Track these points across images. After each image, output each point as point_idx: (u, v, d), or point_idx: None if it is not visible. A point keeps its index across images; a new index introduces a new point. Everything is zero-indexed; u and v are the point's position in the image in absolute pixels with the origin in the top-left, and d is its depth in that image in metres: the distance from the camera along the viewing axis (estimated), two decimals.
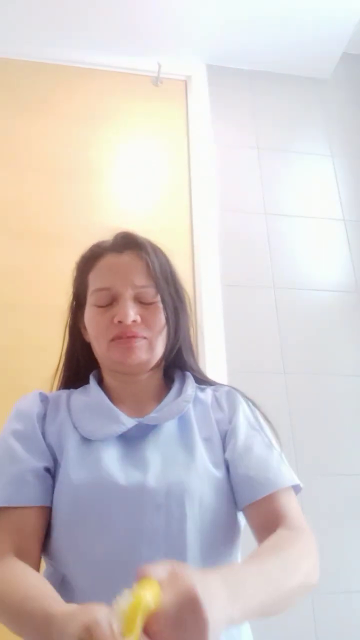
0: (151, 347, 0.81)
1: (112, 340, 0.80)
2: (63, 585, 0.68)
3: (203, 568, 0.67)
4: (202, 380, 0.91)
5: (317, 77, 2.13)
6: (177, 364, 0.91)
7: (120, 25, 1.87)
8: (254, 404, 0.87)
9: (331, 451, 1.52)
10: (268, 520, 0.71)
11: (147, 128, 1.91)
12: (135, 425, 0.78)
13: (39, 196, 1.71)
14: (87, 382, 0.89)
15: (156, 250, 0.87)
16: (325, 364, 1.64)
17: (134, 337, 0.79)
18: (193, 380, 0.88)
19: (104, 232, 0.90)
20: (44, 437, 0.78)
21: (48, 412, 0.82)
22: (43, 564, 0.77)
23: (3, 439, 0.78)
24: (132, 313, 0.79)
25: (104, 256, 0.86)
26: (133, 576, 0.68)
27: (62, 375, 0.93)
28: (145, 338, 0.81)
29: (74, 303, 0.91)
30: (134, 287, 0.81)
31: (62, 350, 0.93)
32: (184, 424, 0.81)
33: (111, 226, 0.91)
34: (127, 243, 0.86)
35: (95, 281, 0.85)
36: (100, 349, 0.83)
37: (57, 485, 0.73)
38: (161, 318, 0.82)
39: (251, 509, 0.73)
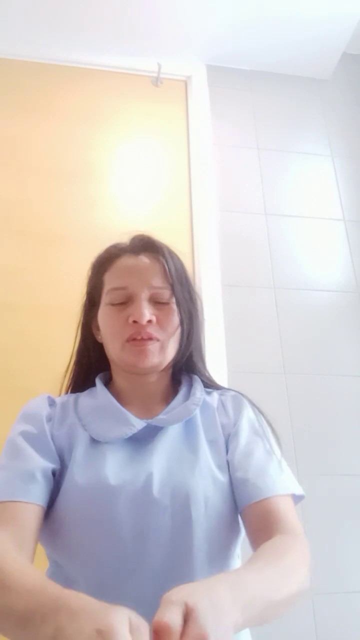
0: (163, 349, 0.82)
1: (127, 341, 0.81)
2: (66, 586, 0.68)
3: (209, 572, 0.68)
4: (209, 384, 0.91)
5: (317, 77, 2.13)
6: (185, 367, 0.91)
7: (120, 25, 1.87)
8: (259, 410, 0.87)
9: (331, 451, 1.52)
10: (262, 524, 0.71)
11: (147, 128, 1.91)
12: (144, 427, 0.78)
13: (39, 196, 1.71)
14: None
15: (172, 254, 0.88)
16: (325, 364, 1.64)
17: (148, 339, 0.80)
18: (201, 384, 0.88)
19: (118, 234, 0.91)
20: (52, 439, 0.78)
21: (56, 415, 0.82)
22: (45, 564, 0.78)
23: (12, 439, 0.78)
24: (147, 313, 0.79)
25: (121, 257, 0.86)
26: (138, 578, 0.68)
27: (72, 375, 0.93)
28: (158, 340, 0.81)
29: (88, 302, 0.91)
30: (150, 288, 0.82)
31: (73, 349, 0.93)
32: (190, 426, 0.81)
33: (123, 225, 0.91)
34: (145, 245, 0.87)
35: (111, 281, 0.85)
36: (114, 348, 0.83)
37: (64, 486, 0.73)
38: (175, 320, 0.83)
39: (247, 512, 0.73)
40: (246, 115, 2.00)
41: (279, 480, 0.75)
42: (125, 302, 0.82)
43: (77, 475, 0.73)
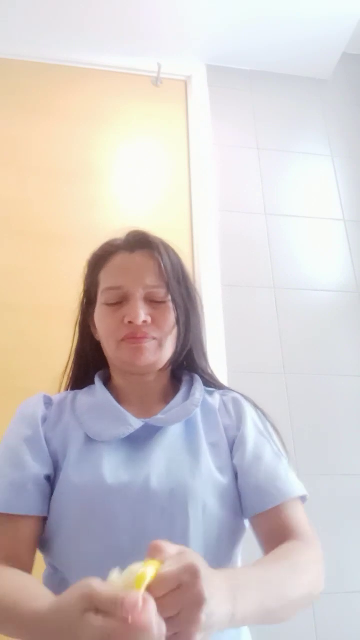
0: (160, 347, 0.81)
1: (122, 340, 0.80)
2: (62, 587, 0.68)
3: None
4: (211, 384, 0.90)
5: (317, 77, 2.13)
6: (186, 366, 0.90)
7: (120, 25, 1.87)
8: (262, 412, 0.86)
9: (331, 451, 1.52)
10: (276, 531, 0.70)
11: (147, 128, 1.91)
12: (142, 426, 0.77)
13: (39, 196, 1.71)
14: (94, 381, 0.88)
15: (168, 250, 0.86)
16: (325, 364, 1.64)
17: (143, 337, 0.79)
18: (202, 384, 0.87)
19: (114, 232, 0.90)
20: (47, 442, 0.77)
21: (52, 415, 0.82)
22: (42, 566, 0.77)
23: (8, 441, 0.78)
24: (142, 313, 0.79)
25: (115, 255, 0.85)
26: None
27: (71, 374, 0.92)
28: (155, 339, 0.80)
29: (85, 301, 0.91)
30: (145, 287, 0.81)
31: (71, 348, 0.93)
32: (190, 427, 0.80)
33: (123, 225, 0.90)
34: (139, 242, 0.85)
35: (106, 280, 0.84)
36: (109, 348, 0.82)
37: (59, 487, 0.73)
38: (171, 318, 0.82)
39: (259, 519, 0.73)
40: (246, 115, 2.00)
41: (289, 483, 0.75)
42: (121, 302, 0.81)
43: (72, 474, 0.72)
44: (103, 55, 1.95)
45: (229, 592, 0.50)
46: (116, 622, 0.42)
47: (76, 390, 0.88)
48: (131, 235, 0.88)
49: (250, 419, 0.82)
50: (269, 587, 0.57)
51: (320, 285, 1.76)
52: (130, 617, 0.42)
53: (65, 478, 0.73)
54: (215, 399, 0.86)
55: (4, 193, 1.70)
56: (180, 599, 0.45)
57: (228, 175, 1.88)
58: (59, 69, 1.93)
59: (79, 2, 1.79)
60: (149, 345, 0.79)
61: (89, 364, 0.91)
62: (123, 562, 0.67)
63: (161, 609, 0.44)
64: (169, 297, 0.82)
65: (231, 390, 0.91)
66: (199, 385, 0.86)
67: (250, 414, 0.84)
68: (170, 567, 0.46)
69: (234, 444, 0.79)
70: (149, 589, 0.45)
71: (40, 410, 0.81)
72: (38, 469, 0.74)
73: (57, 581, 0.72)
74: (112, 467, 0.72)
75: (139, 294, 0.80)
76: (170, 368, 0.87)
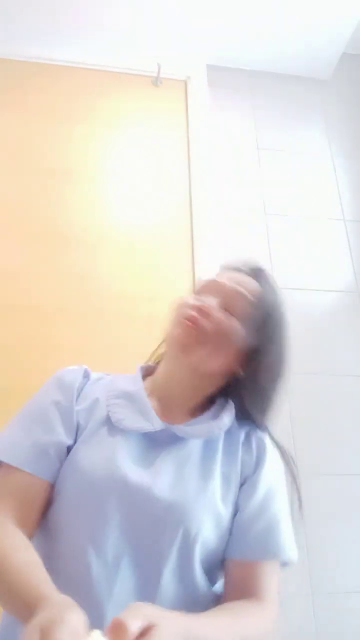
0: (209, 341, 0.78)
1: (185, 318, 0.79)
2: (45, 561, 0.68)
3: (173, 602, 0.68)
4: (251, 419, 0.85)
5: (317, 78, 2.13)
6: (239, 409, 0.85)
7: (120, 26, 1.87)
8: (292, 459, 0.84)
9: (331, 451, 1.52)
10: (246, 583, 0.71)
11: (147, 128, 1.91)
12: (162, 430, 0.77)
13: (38, 197, 1.71)
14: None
15: (274, 296, 0.86)
16: (325, 364, 1.64)
17: (206, 314, 0.78)
18: (233, 411, 0.83)
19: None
20: (76, 414, 0.78)
21: (87, 389, 0.83)
22: None
23: (41, 400, 0.79)
24: (215, 305, 0.80)
25: (233, 269, 0.89)
26: (112, 574, 0.67)
27: (159, 352, 0.93)
28: (212, 326, 0.78)
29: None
30: (231, 297, 0.81)
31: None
32: (209, 449, 0.78)
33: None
34: (256, 273, 0.88)
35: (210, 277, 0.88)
36: (169, 323, 0.82)
37: (68, 461, 0.74)
38: (237, 328, 0.79)
39: (236, 564, 0.73)
40: (246, 116, 2.01)
41: (281, 546, 0.74)
42: (203, 292, 0.84)
43: (83, 452, 0.74)
44: (103, 55, 1.95)
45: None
46: None
47: (117, 374, 0.88)
48: (255, 267, 0.90)
49: (269, 466, 0.80)
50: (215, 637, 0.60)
51: (321, 286, 1.76)
52: None
53: (75, 453, 0.74)
54: (242, 432, 0.83)
55: (4, 193, 1.70)
56: None
57: (228, 175, 1.88)
58: (59, 69, 1.93)
59: (79, 2, 1.79)
60: (203, 324, 0.78)
61: None
62: (103, 552, 0.66)
63: None
64: (245, 316, 0.80)
65: (263, 430, 0.85)
66: (229, 412, 0.83)
67: (271, 461, 0.81)
68: None
69: (245, 484, 0.78)
70: None
71: (79, 381, 0.83)
72: (64, 437, 0.75)
73: (41, 554, 0.70)
74: (122, 459, 0.73)
75: (222, 297, 0.81)
76: (208, 386, 0.84)
